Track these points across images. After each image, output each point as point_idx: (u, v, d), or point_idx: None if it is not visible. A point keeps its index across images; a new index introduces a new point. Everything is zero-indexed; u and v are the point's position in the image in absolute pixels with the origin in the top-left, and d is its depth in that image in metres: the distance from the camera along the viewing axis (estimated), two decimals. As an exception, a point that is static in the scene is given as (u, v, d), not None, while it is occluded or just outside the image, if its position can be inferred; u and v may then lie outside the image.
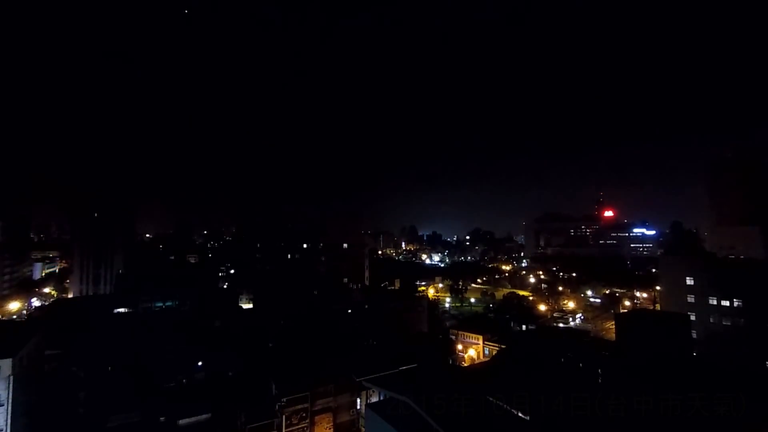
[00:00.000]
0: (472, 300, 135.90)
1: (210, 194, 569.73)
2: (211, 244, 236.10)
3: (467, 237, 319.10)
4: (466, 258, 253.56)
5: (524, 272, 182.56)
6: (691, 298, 66.09)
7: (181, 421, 37.64)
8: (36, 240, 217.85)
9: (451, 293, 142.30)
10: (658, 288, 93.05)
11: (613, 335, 67.77)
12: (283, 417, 41.54)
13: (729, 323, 61.57)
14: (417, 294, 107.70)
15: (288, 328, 69.13)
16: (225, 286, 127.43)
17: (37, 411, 39.59)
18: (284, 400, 42.01)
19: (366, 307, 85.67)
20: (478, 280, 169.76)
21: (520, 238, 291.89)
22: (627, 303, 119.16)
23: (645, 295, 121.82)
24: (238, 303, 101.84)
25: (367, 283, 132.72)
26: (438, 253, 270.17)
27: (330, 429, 44.45)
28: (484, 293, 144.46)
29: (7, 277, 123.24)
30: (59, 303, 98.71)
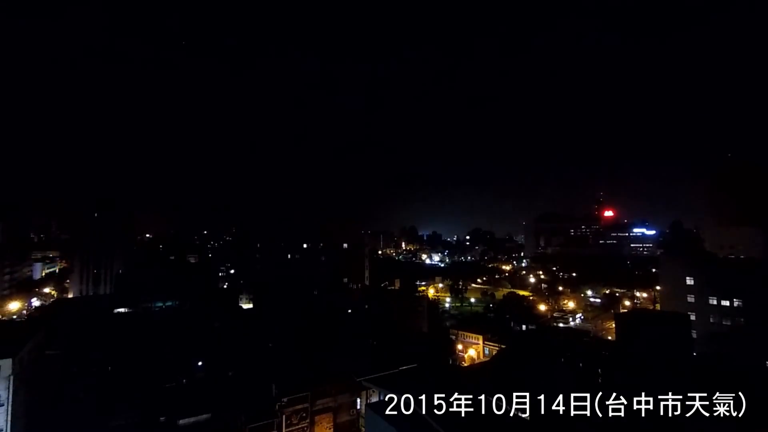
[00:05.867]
0: (472, 300, 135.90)
1: (210, 194, 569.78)
2: (211, 244, 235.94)
3: (467, 237, 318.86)
4: (466, 258, 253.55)
5: (524, 272, 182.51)
6: (691, 298, 66.00)
7: (181, 421, 37.66)
8: (36, 240, 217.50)
9: (451, 293, 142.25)
10: (658, 288, 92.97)
11: (613, 335, 67.82)
12: (283, 417, 41.55)
13: (729, 323, 61.54)
14: (417, 294, 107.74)
15: (288, 328, 69.18)
16: (225, 286, 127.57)
17: (37, 411, 39.62)
18: (284, 400, 42.02)
19: (366, 307, 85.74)
20: (478, 280, 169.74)
21: (520, 238, 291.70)
22: (627, 303, 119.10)
23: (645, 295, 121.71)
24: (238, 303, 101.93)
25: (367, 283, 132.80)
26: (438, 253, 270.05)
27: (330, 429, 44.47)
28: (484, 293, 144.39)
29: (7, 277, 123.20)
30: (59, 303, 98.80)
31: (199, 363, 53.89)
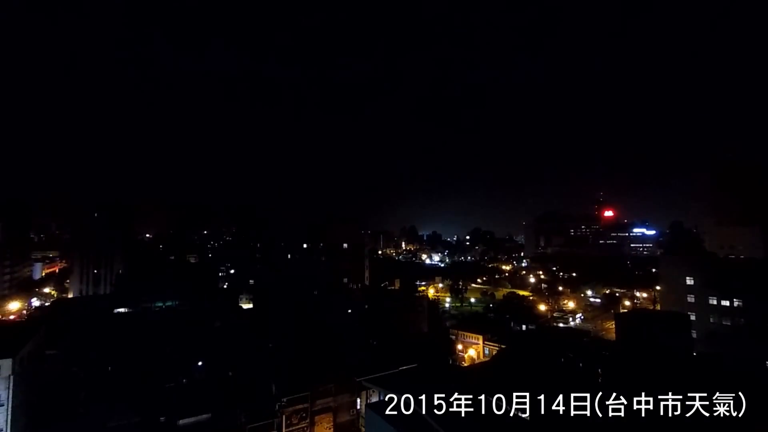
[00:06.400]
0: (472, 300, 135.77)
1: (210, 194, 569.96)
2: (211, 244, 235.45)
3: (467, 237, 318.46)
4: (466, 258, 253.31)
5: (524, 272, 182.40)
6: (691, 298, 66.05)
7: (181, 421, 37.65)
8: (36, 240, 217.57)
9: (451, 293, 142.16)
10: (658, 288, 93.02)
11: (613, 335, 67.77)
12: (283, 417, 41.59)
13: (729, 323, 61.55)
14: (417, 294, 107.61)
15: (288, 328, 69.16)
16: (225, 286, 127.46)
17: (37, 411, 39.60)
18: (284, 400, 42.07)
19: (366, 307, 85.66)
20: (478, 280, 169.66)
21: (520, 238, 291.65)
22: (627, 303, 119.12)
23: (645, 295, 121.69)
24: (238, 303, 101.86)
25: (367, 283, 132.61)
26: (438, 253, 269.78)
27: (330, 429, 44.50)
28: (484, 293, 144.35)
29: (7, 277, 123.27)
30: (59, 303, 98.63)
31: (199, 363, 53.85)
